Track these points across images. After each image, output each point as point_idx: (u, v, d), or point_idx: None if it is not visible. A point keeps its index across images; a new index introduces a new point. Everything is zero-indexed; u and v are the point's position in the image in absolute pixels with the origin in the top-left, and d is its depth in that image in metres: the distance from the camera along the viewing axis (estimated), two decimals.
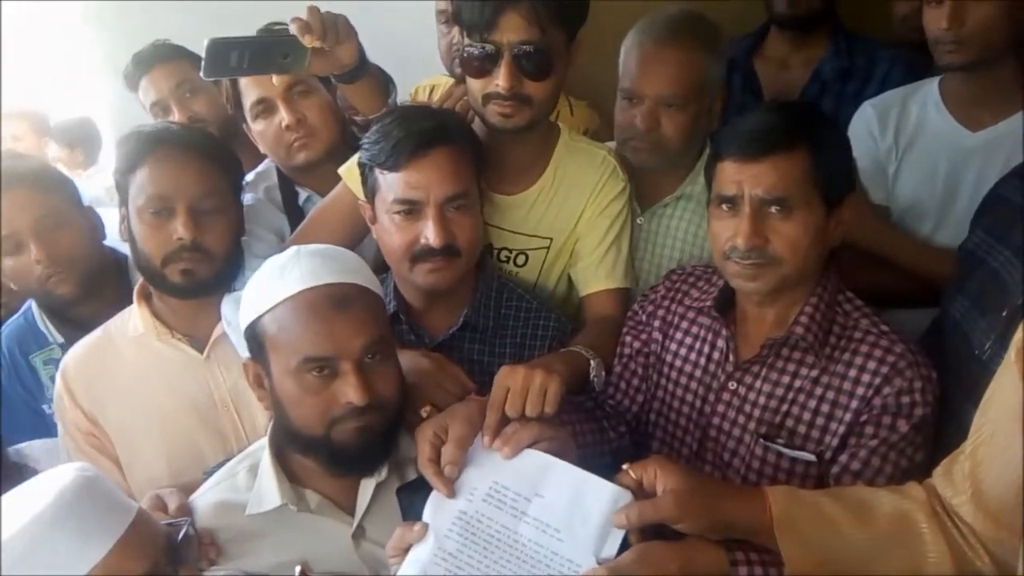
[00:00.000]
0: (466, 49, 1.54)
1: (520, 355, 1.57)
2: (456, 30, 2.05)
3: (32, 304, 1.88)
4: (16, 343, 1.86)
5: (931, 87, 1.90)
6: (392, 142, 1.47)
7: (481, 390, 1.34)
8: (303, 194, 1.96)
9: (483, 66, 1.53)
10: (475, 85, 1.56)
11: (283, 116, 1.81)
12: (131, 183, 1.55)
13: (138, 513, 1.14)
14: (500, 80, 1.51)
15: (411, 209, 1.48)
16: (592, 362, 1.48)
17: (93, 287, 1.75)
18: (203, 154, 1.58)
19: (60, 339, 1.81)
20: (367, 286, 1.28)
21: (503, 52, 1.50)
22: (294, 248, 1.28)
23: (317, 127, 1.84)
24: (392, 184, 1.48)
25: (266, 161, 2.00)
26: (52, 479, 1.12)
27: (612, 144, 1.81)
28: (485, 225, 1.68)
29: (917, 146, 1.88)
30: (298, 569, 1.16)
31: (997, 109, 1.79)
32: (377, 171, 1.50)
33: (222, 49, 1.42)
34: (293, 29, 1.45)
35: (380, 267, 1.61)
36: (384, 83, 1.71)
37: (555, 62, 1.54)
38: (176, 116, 2.11)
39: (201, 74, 1.45)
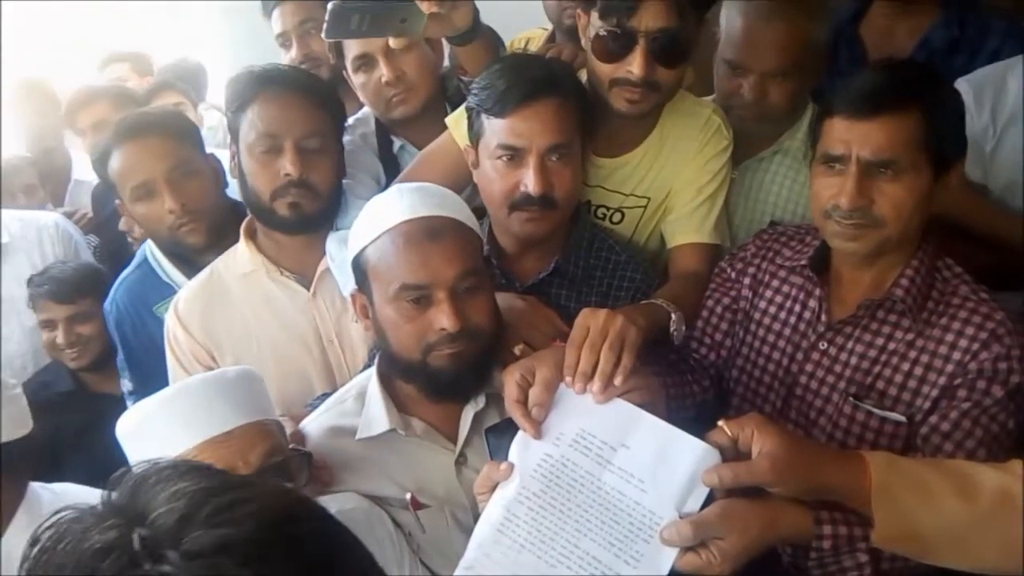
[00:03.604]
0: (599, 31, 1.51)
1: (605, 304, 1.56)
2: None
3: (148, 254, 1.91)
4: (137, 297, 1.89)
5: None
6: (502, 88, 1.48)
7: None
8: (397, 143, 1.99)
9: (616, 50, 1.50)
10: (603, 68, 1.53)
11: (383, 72, 1.82)
12: (242, 121, 1.61)
13: (257, 422, 1.21)
14: (634, 68, 1.48)
15: (513, 156, 1.49)
16: (673, 316, 1.46)
17: (220, 234, 1.80)
18: (309, 95, 1.62)
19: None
20: (462, 220, 1.33)
21: (639, 38, 1.47)
22: (396, 186, 1.35)
23: (415, 82, 1.85)
24: (497, 130, 1.50)
25: (365, 108, 2.04)
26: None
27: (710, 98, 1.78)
28: (585, 186, 1.67)
29: (1018, 124, 1.81)
30: (409, 495, 1.21)
31: None
32: (484, 116, 1.51)
33: (344, 12, 1.46)
34: None
35: (479, 213, 1.63)
36: (495, 45, 1.71)
37: (689, 47, 1.51)
38: (295, 51, 2.15)
39: (323, 35, 1.47)
